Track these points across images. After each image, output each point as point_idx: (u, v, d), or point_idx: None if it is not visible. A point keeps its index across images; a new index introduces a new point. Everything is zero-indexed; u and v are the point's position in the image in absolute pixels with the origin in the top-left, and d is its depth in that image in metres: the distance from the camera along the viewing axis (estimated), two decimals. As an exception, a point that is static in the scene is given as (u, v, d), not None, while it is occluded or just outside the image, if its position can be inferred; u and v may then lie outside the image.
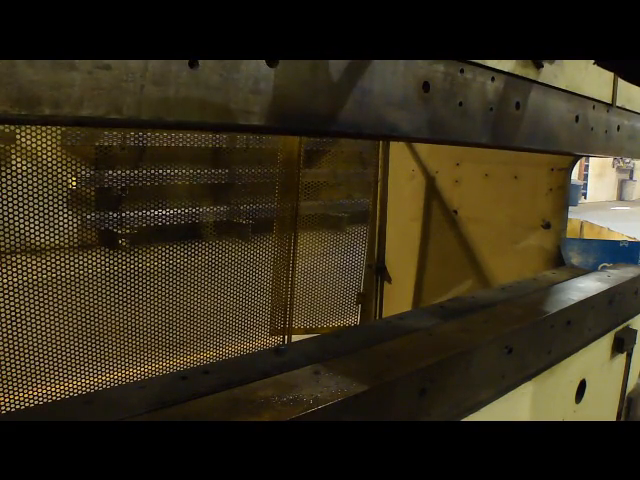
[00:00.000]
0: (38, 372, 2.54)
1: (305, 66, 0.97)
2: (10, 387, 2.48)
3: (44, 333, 2.53)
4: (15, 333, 2.44)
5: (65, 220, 2.54)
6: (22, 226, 2.40)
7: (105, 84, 0.73)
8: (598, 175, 25.52)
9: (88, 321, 2.70)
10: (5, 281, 2.42)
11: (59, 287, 2.56)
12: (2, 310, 2.40)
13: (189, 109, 0.83)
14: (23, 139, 2.38)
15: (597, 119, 1.86)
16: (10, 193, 2.33)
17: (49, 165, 2.42)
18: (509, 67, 1.41)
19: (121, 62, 0.74)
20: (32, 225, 2.42)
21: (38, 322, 2.51)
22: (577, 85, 1.70)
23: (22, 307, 2.45)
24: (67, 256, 2.58)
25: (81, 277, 2.66)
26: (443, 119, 1.27)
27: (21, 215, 2.37)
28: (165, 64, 0.78)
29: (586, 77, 1.74)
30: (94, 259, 2.75)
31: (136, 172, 3.02)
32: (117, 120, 0.76)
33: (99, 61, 0.71)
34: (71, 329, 2.64)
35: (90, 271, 2.71)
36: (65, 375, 2.65)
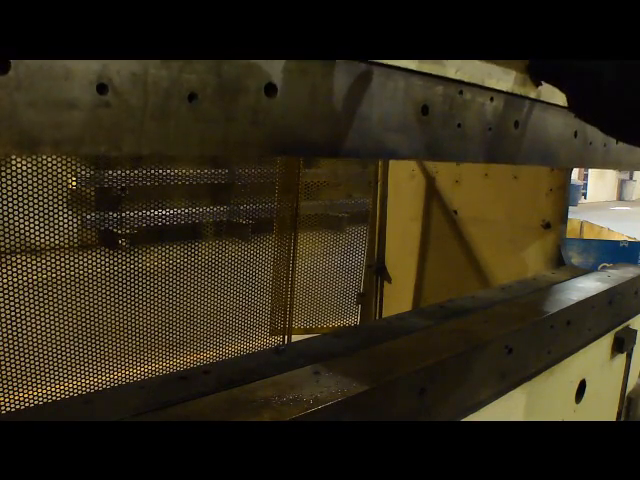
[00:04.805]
0: (38, 372, 2.54)
1: (304, 96, 0.96)
2: (10, 387, 2.48)
3: (44, 333, 2.53)
4: (15, 333, 2.44)
5: (65, 220, 2.54)
6: (22, 226, 2.40)
7: (105, 122, 0.73)
8: (598, 175, 25.49)
9: (88, 321, 2.70)
10: (5, 281, 2.42)
11: (59, 287, 2.56)
12: (2, 310, 2.40)
13: (188, 143, 0.83)
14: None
15: (596, 133, 1.84)
16: (10, 193, 2.33)
17: (49, 165, 2.42)
18: (508, 87, 1.40)
19: (121, 99, 0.74)
20: (32, 225, 2.42)
21: (38, 322, 2.51)
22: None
23: (22, 307, 2.45)
24: (67, 256, 2.58)
25: (81, 277, 2.66)
26: (442, 141, 1.28)
27: (21, 215, 2.37)
28: (165, 99, 0.78)
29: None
30: (94, 259, 2.75)
31: (136, 172, 3.02)
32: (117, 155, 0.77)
33: (99, 98, 0.71)
34: (71, 329, 2.65)
35: (90, 271, 2.71)
36: (65, 375, 2.65)
